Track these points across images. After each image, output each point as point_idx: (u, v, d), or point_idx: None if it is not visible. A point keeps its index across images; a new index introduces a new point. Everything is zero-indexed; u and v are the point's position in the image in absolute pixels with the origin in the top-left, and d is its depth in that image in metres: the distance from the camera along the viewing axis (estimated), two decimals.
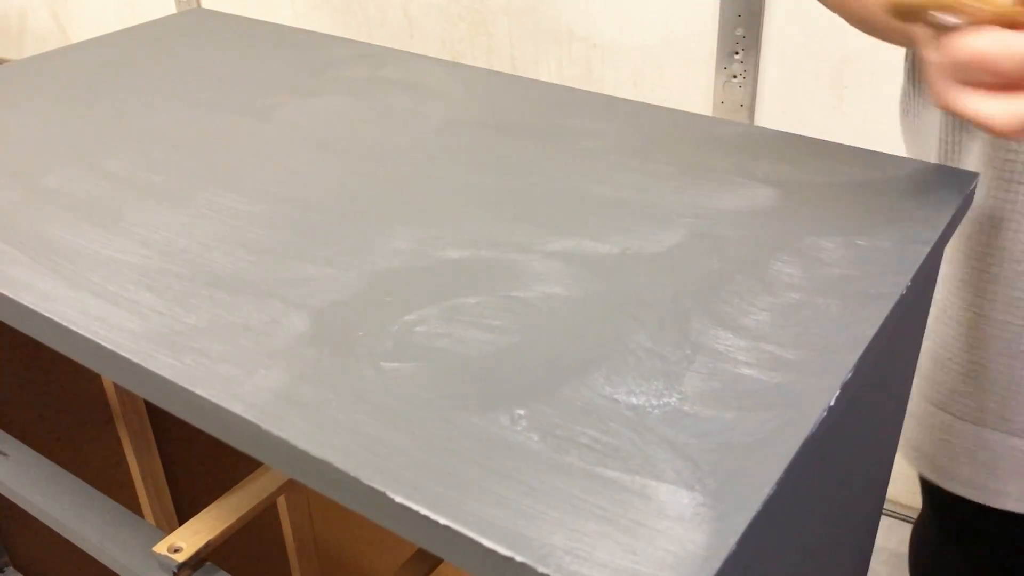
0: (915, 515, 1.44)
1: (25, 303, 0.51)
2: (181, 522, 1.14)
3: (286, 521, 1.15)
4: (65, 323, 0.49)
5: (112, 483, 1.09)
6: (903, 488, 1.42)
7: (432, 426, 0.41)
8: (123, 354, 0.47)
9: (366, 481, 0.38)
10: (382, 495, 0.37)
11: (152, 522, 1.12)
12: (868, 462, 0.63)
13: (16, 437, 0.74)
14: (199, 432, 1.13)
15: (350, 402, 0.42)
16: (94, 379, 1.04)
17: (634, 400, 0.42)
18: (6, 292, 0.52)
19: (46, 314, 0.50)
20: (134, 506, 1.12)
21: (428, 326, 0.48)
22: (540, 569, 0.33)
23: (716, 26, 1.11)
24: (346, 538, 1.18)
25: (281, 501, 1.12)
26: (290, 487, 0.67)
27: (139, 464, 1.08)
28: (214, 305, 0.50)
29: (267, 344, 0.47)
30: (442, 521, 0.36)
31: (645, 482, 0.37)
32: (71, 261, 0.55)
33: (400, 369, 0.45)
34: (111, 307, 0.50)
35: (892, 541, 1.43)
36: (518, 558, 0.34)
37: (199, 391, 0.44)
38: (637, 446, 0.39)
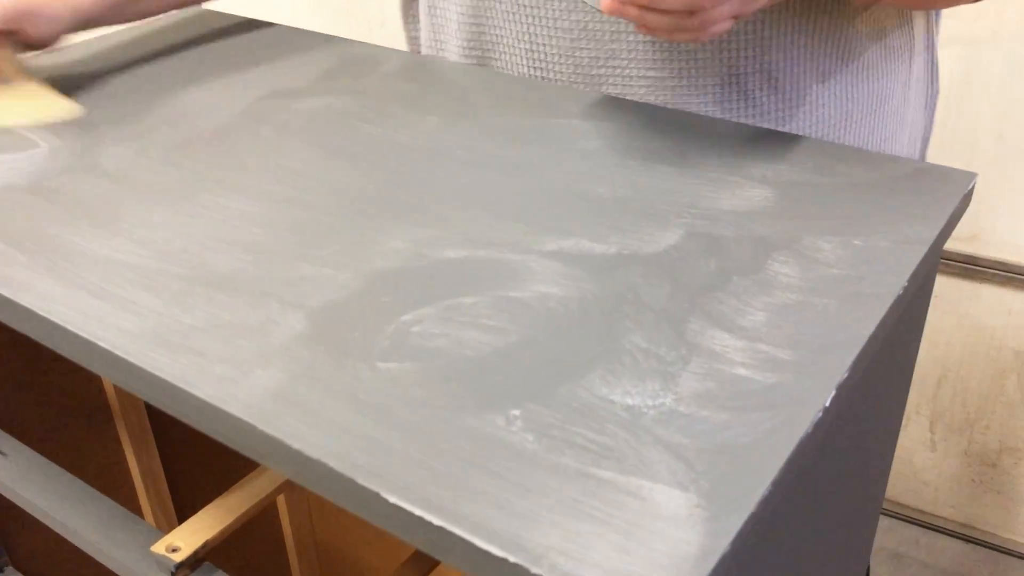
0: (914, 515, 1.44)
1: (23, 303, 0.51)
2: (181, 522, 1.14)
3: (285, 521, 1.15)
4: (63, 323, 0.49)
5: (111, 483, 1.09)
6: (903, 488, 1.42)
7: (428, 426, 0.41)
8: (120, 354, 0.47)
9: (361, 482, 0.38)
10: (376, 496, 0.37)
11: (151, 522, 1.12)
12: (865, 463, 0.63)
13: (15, 437, 0.74)
14: (198, 432, 1.13)
15: (346, 402, 0.42)
16: (93, 379, 1.04)
17: (629, 401, 0.42)
18: (4, 292, 0.52)
19: (44, 314, 0.50)
20: (133, 506, 1.12)
21: (424, 326, 0.48)
22: (534, 570, 0.34)
23: None
24: (345, 538, 1.18)
25: (280, 501, 1.12)
26: (289, 487, 0.67)
27: (138, 464, 1.08)
28: (211, 305, 0.50)
29: (264, 344, 0.47)
30: (436, 522, 0.36)
31: (640, 483, 0.37)
32: (69, 261, 0.55)
33: (396, 369, 0.45)
34: (108, 307, 0.50)
35: (892, 541, 1.42)
36: (512, 559, 0.34)
37: (196, 391, 0.44)
38: (632, 447, 0.39)
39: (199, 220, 0.59)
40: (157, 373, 0.45)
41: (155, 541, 0.59)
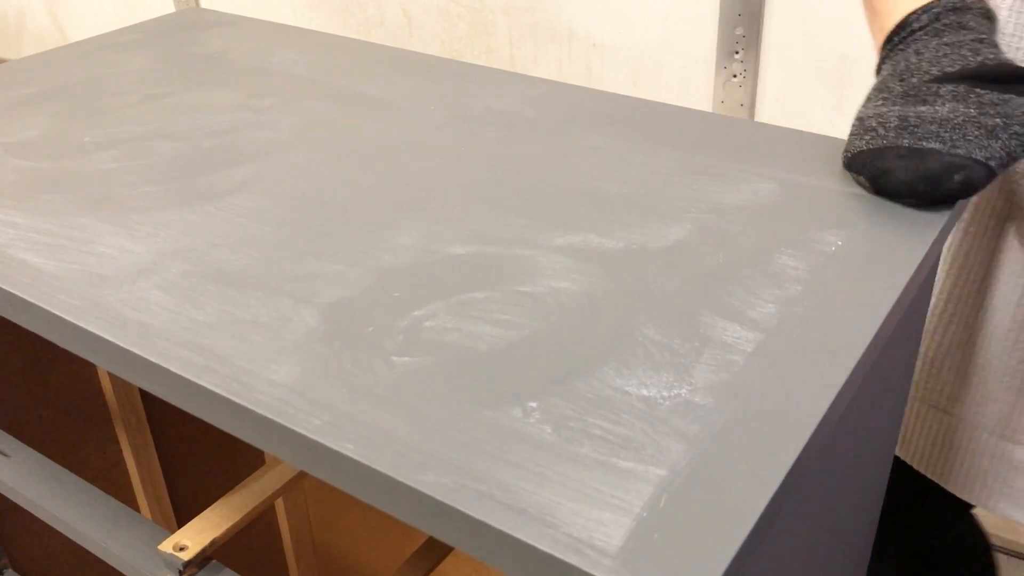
0: None
1: (35, 301, 0.51)
2: (179, 522, 1.14)
3: (284, 523, 1.15)
4: (77, 321, 0.49)
5: (110, 483, 1.09)
6: None
7: (445, 419, 0.41)
8: (136, 351, 0.47)
9: (384, 472, 0.38)
10: (400, 485, 0.38)
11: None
12: (869, 458, 0.64)
13: (14, 438, 0.74)
14: (197, 432, 1.13)
15: (362, 396, 0.43)
16: (92, 380, 1.04)
17: (645, 392, 0.42)
18: (15, 291, 0.52)
19: (58, 312, 0.50)
20: (132, 506, 1.11)
21: (437, 321, 0.48)
22: (557, 556, 0.34)
23: (716, 26, 1.11)
24: (343, 539, 1.18)
25: (279, 503, 1.12)
26: (290, 487, 0.67)
27: (137, 464, 1.08)
28: (223, 302, 0.50)
29: (278, 340, 0.47)
30: (461, 510, 0.36)
31: (659, 472, 0.38)
32: (79, 260, 0.55)
33: (411, 363, 0.45)
34: (121, 305, 0.50)
35: None
36: (535, 546, 0.34)
37: (213, 387, 0.44)
38: (650, 437, 0.40)
39: (206, 218, 0.59)
40: (173, 370, 0.45)
41: (161, 540, 0.59)
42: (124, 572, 0.62)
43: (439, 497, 0.36)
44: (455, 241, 0.55)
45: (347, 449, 0.39)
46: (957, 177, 0.54)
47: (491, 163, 0.65)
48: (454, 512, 0.36)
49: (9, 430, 0.96)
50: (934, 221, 0.55)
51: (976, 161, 0.54)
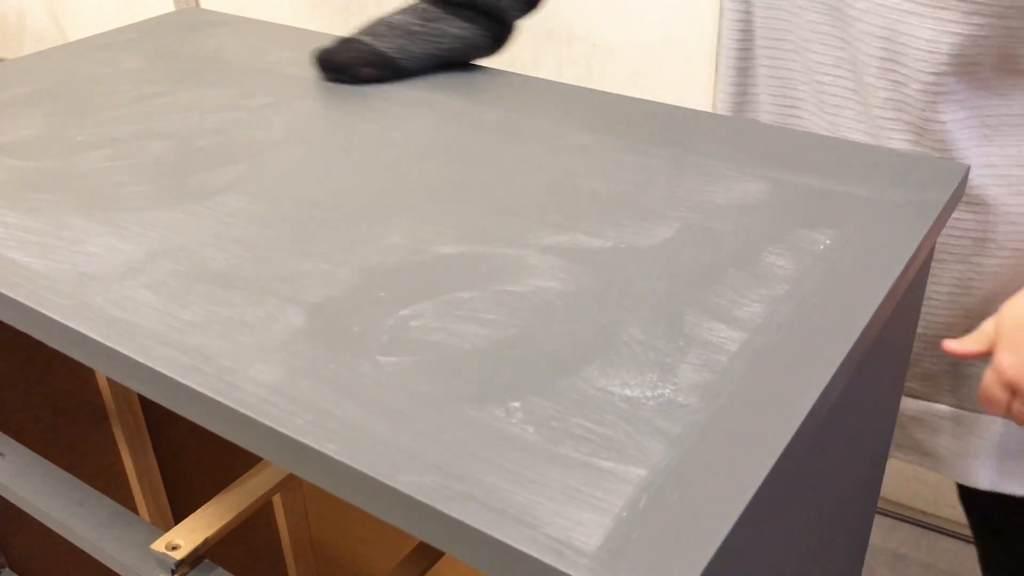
0: (914, 515, 1.44)
1: (24, 300, 0.51)
2: (176, 521, 1.14)
3: (282, 520, 1.15)
4: (65, 321, 0.49)
5: (108, 483, 1.09)
6: (902, 488, 1.42)
7: (428, 419, 0.41)
8: (122, 350, 0.47)
9: (364, 472, 0.38)
10: (380, 485, 0.38)
11: (147, 521, 1.11)
12: (859, 458, 0.64)
13: (10, 438, 0.74)
14: (194, 431, 1.13)
15: (347, 396, 0.43)
16: (89, 379, 1.04)
17: (628, 392, 0.42)
18: (3, 290, 0.52)
19: (45, 311, 0.50)
20: (129, 505, 1.12)
21: (423, 321, 0.48)
22: (537, 557, 0.34)
23: (716, 26, 1.11)
24: (342, 537, 1.18)
25: (277, 500, 1.12)
26: (286, 485, 0.67)
27: (134, 464, 1.08)
28: (210, 301, 0.50)
29: (263, 339, 0.47)
30: (440, 511, 0.36)
31: (640, 472, 0.38)
32: (68, 259, 0.55)
33: (396, 363, 0.45)
34: (109, 305, 0.51)
35: (892, 541, 1.43)
36: (516, 546, 0.34)
37: (197, 387, 0.44)
38: (632, 437, 0.39)
39: (195, 218, 0.59)
40: (158, 369, 0.45)
41: (154, 539, 0.59)
42: (117, 571, 0.62)
43: (419, 497, 0.36)
44: (444, 241, 0.55)
45: (328, 449, 0.39)
46: (347, 55, 0.74)
47: (483, 162, 0.65)
48: (434, 512, 0.36)
49: (6, 430, 0.96)
50: (924, 220, 0.55)
51: (376, 51, 0.74)
